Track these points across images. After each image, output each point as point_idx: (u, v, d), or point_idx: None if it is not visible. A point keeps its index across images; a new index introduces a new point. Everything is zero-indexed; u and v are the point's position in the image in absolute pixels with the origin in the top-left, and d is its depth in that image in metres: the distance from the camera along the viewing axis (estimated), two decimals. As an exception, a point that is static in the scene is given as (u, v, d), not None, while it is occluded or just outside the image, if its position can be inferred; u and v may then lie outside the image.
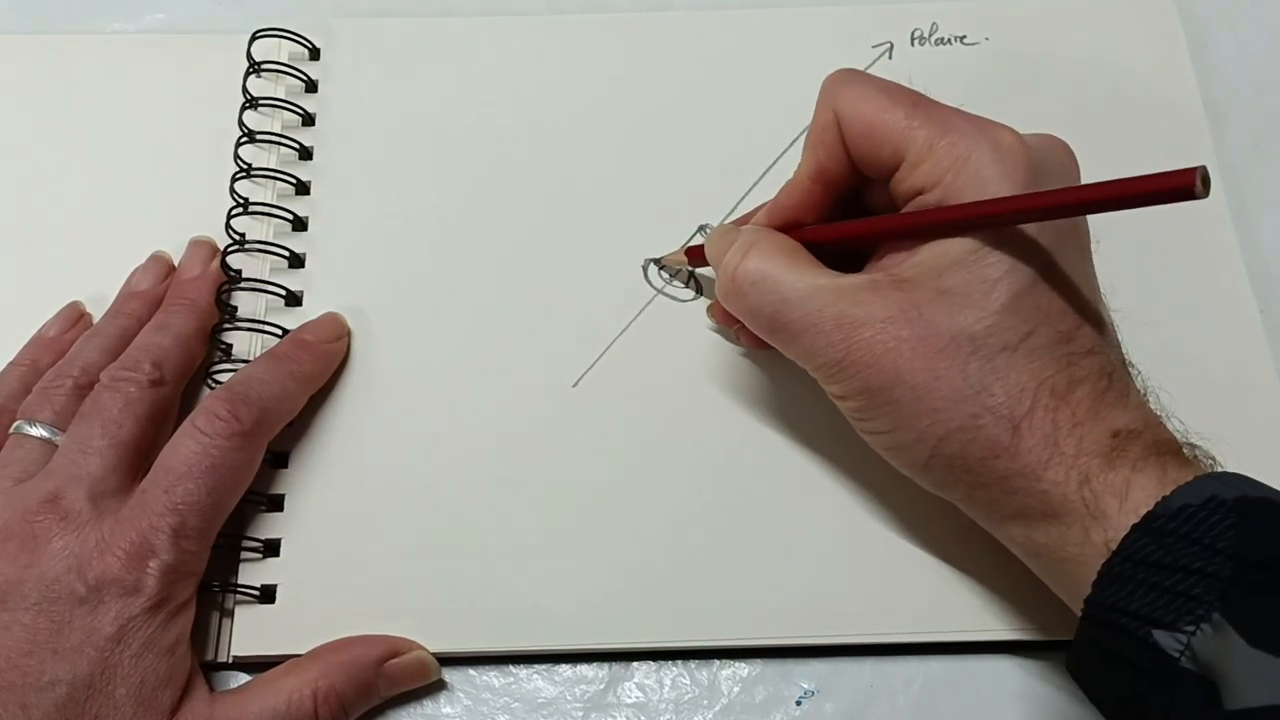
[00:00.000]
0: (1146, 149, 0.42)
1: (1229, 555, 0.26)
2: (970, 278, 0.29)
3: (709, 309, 0.39)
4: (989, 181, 0.29)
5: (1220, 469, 0.29)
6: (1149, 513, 0.27)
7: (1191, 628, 0.25)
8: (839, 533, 0.36)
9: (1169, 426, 0.30)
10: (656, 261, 0.40)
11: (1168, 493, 0.27)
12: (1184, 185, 0.25)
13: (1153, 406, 0.31)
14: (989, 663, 0.35)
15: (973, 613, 0.35)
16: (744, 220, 0.37)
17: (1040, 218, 0.29)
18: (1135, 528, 0.27)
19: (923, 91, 0.32)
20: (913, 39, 0.45)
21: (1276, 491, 0.27)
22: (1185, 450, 0.30)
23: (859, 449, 0.33)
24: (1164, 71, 0.44)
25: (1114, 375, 0.30)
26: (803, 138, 0.42)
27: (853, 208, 0.34)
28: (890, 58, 0.44)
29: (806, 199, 0.34)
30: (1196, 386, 0.34)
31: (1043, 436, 0.29)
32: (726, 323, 0.38)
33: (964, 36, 0.45)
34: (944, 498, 0.32)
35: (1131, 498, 0.28)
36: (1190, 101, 0.44)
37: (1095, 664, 0.28)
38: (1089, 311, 0.31)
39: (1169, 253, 0.40)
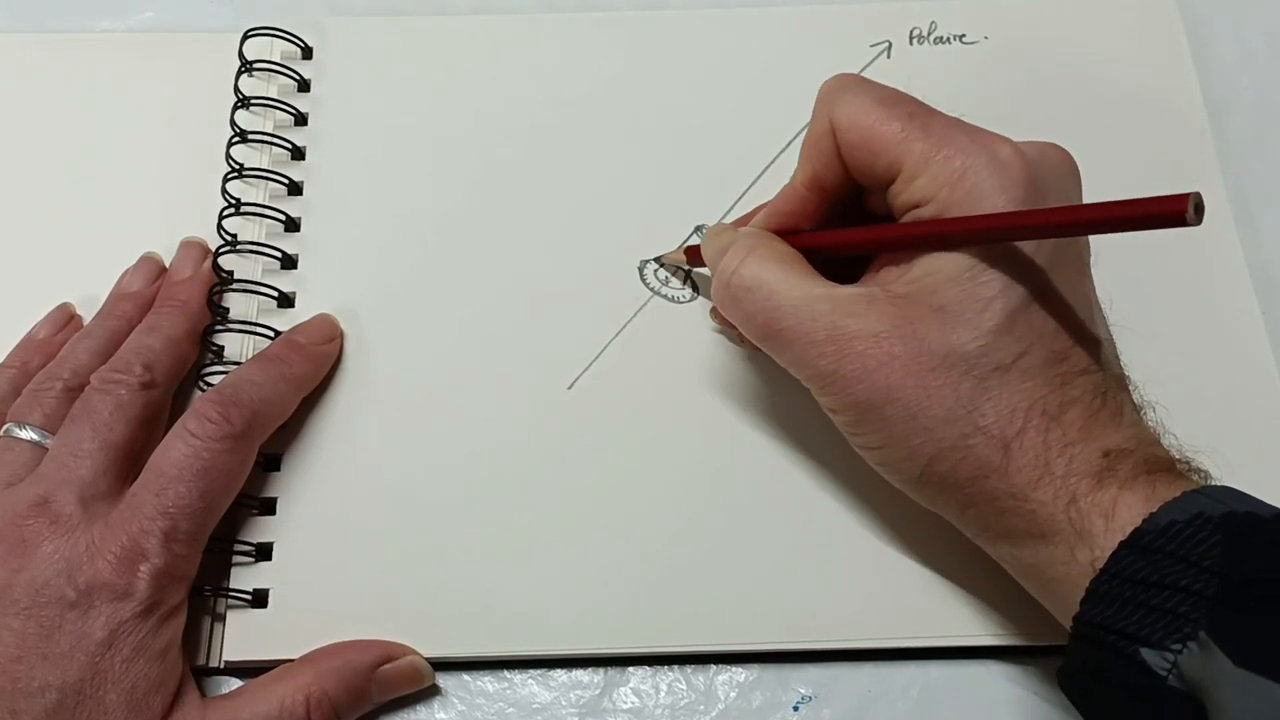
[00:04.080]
0: (1147, 149, 0.42)
1: (1215, 573, 0.25)
2: (965, 295, 0.29)
3: (711, 311, 0.39)
4: (985, 196, 0.29)
5: (1216, 483, 0.29)
6: (1136, 530, 0.27)
7: (1178, 646, 0.25)
8: (837, 536, 0.36)
9: (1164, 443, 0.30)
10: (657, 260, 0.40)
11: (1155, 510, 0.27)
12: (1175, 211, 0.25)
13: (1149, 422, 0.30)
14: (988, 668, 0.35)
15: (972, 618, 0.35)
16: (742, 222, 0.36)
17: (1032, 236, 0.29)
18: (1123, 545, 0.27)
19: (923, 90, 0.32)
20: (911, 38, 0.44)
21: (1264, 505, 0.27)
22: (1179, 466, 0.29)
23: (856, 453, 0.33)
24: (1165, 71, 0.44)
25: (1108, 394, 0.30)
26: (800, 138, 0.42)
27: (854, 213, 0.34)
28: (889, 57, 0.44)
29: (803, 206, 0.33)
30: (1199, 395, 0.34)
31: (1033, 457, 0.29)
32: (727, 326, 0.38)
33: (963, 35, 0.45)
34: (937, 513, 0.32)
35: (1118, 516, 0.27)
36: (1191, 100, 0.43)
37: (1085, 681, 0.28)
38: (1084, 329, 0.30)
39: (1170, 256, 0.40)
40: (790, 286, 0.31)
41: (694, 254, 0.38)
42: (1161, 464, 0.29)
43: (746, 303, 0.32)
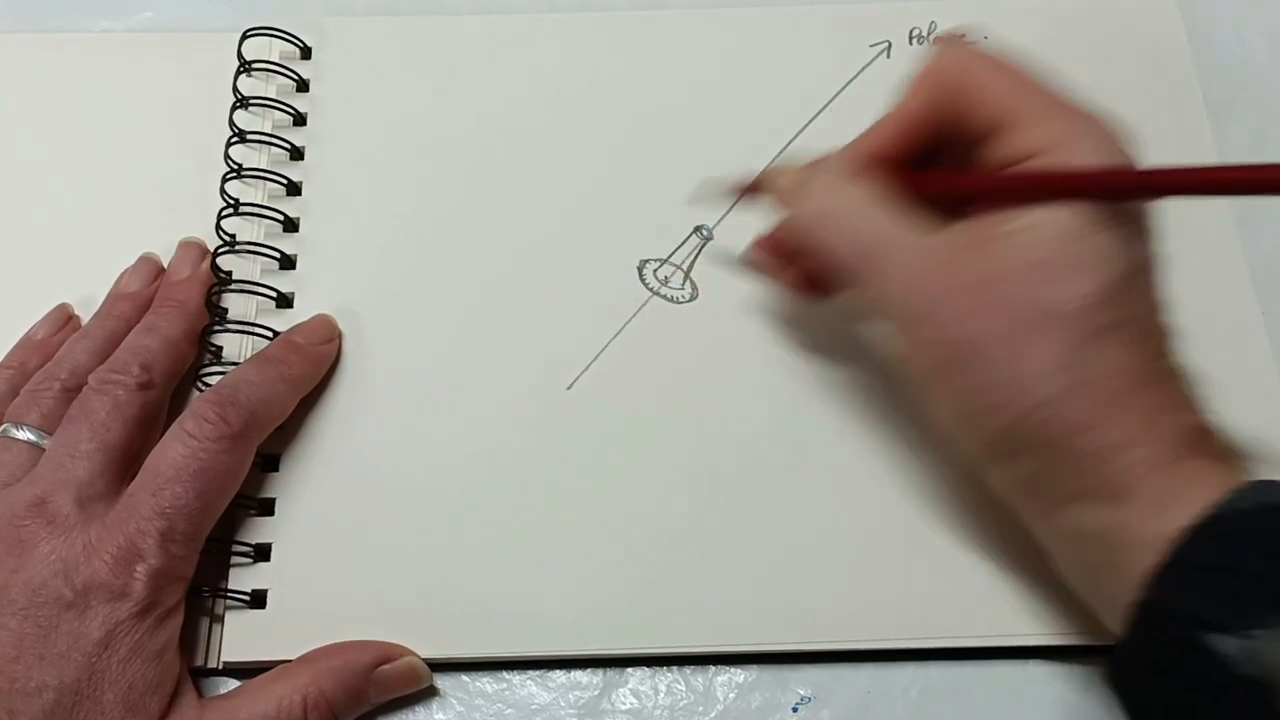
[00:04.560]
0: (1147, 149, 0.42)
1: None
2: (1072, 253, 0.29)
3: (753, 245, 0.38)
4: (1106, 154, 0.29)
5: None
6: (1209, 515, 0.27)
7: (1248, 632, 0.25)
8: (836, 537, 0.36)
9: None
10: (709, 190, 0.38)
11: (1228, 495, 0.27)
12: None
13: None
14: (988, 669, 0.35)
15: (971, 618, 0.34)
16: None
17: (1163, 193, 0.30)
18: (1193, 529, 0.27)
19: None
20: (911, 38, 0.44)
21: None
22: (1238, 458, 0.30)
23: (857, 453, 0.33)
24: (1165, 70, 0.44)
25: (1185, 376, 0.30)
26: (800, 138, 0.42)
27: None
28: (888, 57, 0.44)
29: (895, 142, 0.33)
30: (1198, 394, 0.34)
31: (1128, 419, 0.28)
32: (774, 256, 0.37)
33: (962, 35, 0.44)
34: (987, 479, 0.31)
35: (1196, 494, 0.27)
36: (1192, 100, 0.43)
37: (1142, 669, 0.28)
38: (1167, 312, 0.31)
39: (1170, 256, 0.40)
40: (894, 219, 0.31)
41: (753, 189, 0.36)
42: (1229, 452, 0.29)
43: (842, 226, 0.31)
